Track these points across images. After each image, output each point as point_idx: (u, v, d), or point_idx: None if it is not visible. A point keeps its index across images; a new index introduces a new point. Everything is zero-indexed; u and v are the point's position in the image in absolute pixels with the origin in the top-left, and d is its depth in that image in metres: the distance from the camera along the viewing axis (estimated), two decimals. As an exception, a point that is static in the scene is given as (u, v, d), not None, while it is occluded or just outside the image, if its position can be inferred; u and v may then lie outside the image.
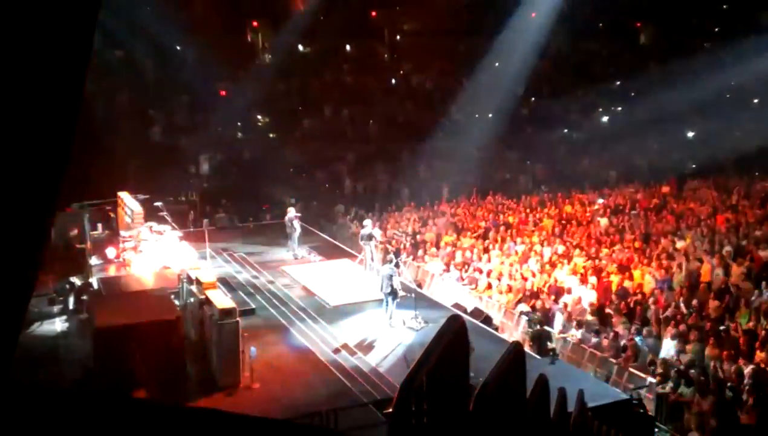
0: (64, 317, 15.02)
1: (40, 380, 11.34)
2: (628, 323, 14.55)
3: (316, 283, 17.04)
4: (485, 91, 34.57)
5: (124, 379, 10.56)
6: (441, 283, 18.33)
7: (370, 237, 17.43)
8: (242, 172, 27.49)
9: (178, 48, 30.70)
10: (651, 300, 15.16)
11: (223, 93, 31.81)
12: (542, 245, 19.69)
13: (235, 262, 18.96)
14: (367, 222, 18.14)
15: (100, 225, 18.87)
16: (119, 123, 27.02)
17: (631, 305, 15.23)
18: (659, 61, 36.42)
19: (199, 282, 12.59)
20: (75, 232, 17.88)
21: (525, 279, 17.25)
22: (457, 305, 16.51)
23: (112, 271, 17.12)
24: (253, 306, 15.16)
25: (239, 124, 31.96)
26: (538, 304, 15.92)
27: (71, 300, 15.36)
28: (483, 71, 34.27)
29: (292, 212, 19.35)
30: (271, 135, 32.28)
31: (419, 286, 17.24)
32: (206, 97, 29.99)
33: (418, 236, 21.71)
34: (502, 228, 21.60)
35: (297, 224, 19.18)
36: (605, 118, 35.25)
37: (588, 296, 15.85)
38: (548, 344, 13.84)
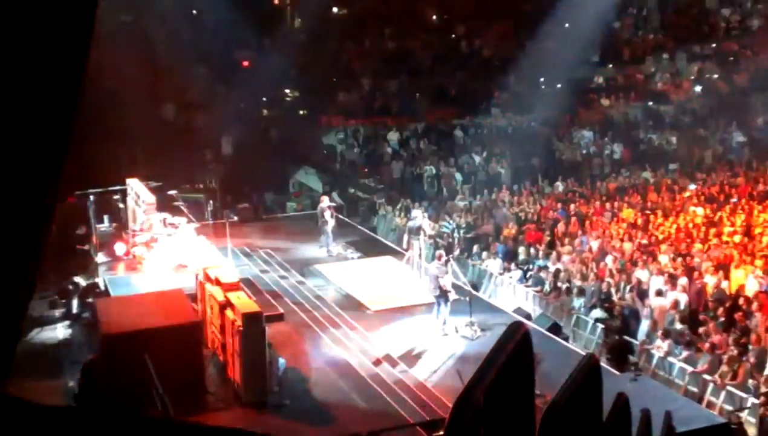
0: (67, 323, 15.39)
1: (41, 395, 11.65)
2: (726, 333, 14.27)
3: (353, 284, 17.11)
4: (552, 58, 34.19)
5: (134, 393, 10.78)
6: (500, 284, 18.22)
7: (419, 230, 17.42)
8: (268, 155, 27.72)
9: (193, 12, 31.06)
10: (754, 306, 14.83)
11: (246, 64, 32.10)
12: (622, 239, 19.42)
13: (260, 259, 19.17)
14: (416, 213, 18.15)
15: (106, 217, 19.26)
16: (127, 100, 27.47)
17: (730, 311, 14.93)
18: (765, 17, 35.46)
19: (219, 283, 12.77)
20: (79, 225, 18.27)
21: (600, 280, 17.06)
22: (519, 311, 16.40)
23: (120, 269, 17.46)
24: (282, 311, 15.32)
25: (264, 99, 32.22)
26: (617, 310, 15.70)
27: (75, 303, 15.73)
28: (549, 34, 33.86)
29: (325, 202, 19.46)
30: (301, 112, 32.47)
31: (474, 288, 17.19)
32: (226, 68, 30.30)
33: (473, 230, 21.62)
34: (573, 220, 21.38)
35: (331, 215, 19.28)
36: (698, 88, 34.49)
37: (677, 300, 15.59)
38: (629, 356, 13.67)
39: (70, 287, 16.00)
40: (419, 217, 17.86)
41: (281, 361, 11.99)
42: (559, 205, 23.37)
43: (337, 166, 29.67)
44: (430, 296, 14.76)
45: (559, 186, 25.71)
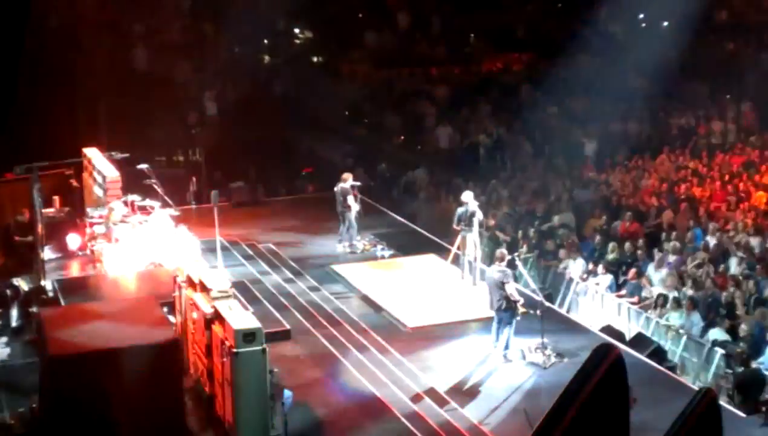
0: (5, 339, 15.57)
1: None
2: None
3: (385, 291, 17.14)
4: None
5: (92, 432, 10.89)
6: (583, 293, 18.13)
7: (471, 219, 17.38)
8: (271, 116, 27.80)
9: None
10: None
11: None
12: (749, 232, 19.24)
13: (259, 257, 19.27)
14: (468, 195, 18.06)
15: (56, 199, 19.43)
16: (84, 42, 27.67)
17: None
18: None
19: (205, 288, 12.85)
20: (20, 210, 18.47)
21: (721, 289, 16.90)
22: (608, 329, 16.31)
23: (74, 269, 17.63)
24: (288, 326, 15.38)
25: (266, 41, 32.27)
26: (743, 329, 15.56)
27: (14, 313, 15.90)
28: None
29: (347, 181, 19.47)
30: (315, 58, 32.46)
31: (549, 298, 17.12)
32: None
33: (546, 219, 21.52)
34: (683, 206, 21.20)
35: (355, 198, 19.29)
36: None
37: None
38: (760, 394, 13.55)
39: (8, 291, 16.16)
40: (472, 200, 17.80)
41: (287, 393, 12.03)
42: (665, 186, 23.15)
43: (363, 132, 29.62)
44: (488, 309, 14.72)
45: (665, 160, 25.46)
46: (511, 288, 14.27)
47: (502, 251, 15.31)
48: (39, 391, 12.35)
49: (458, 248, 17.67)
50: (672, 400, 11.28)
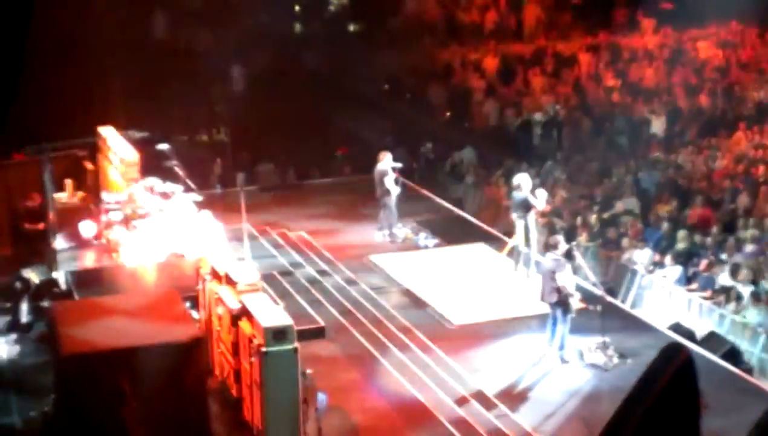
0: (14, 336, 15.76)
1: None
2: None
3: (428, 285, 17.17)
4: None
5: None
6: (649, 287, 18.03)
7: (526, 205, 17.33)
8: (302, 91, 27.82)
9: None
10: None
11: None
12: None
13: (290, 246, 19.33)
14: (521, 179, 18.02)
15: (69, 183, 19.60)
16: (97, 9, 27.80)
17: None
18: None
19: (231, 281, 12.92)
20: (29, 195, 18.63)
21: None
22: (677, 327, 16.23)
23: (89, 259, 17.76)
24: (322, 323, 15.43)
25: (297, 8, 32.28)
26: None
27: (24, 308, 16.07)
28: None
29: (387, 162, 19.46)
30: (351, 27, 32.43)
31: (611, 292, 17.05)
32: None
33: (608, 205, 21.41)
34: (762, 190, 21.00)
35: (396, 181, 19.28)
36: None
37: None
38: None
39: (18, 284, 16.33)
40: (526, 184, 17.74)
41: (321, 397, 12.08)
42: (741, 167, 22.93)
43: (404, 107, 29.57)
44: (542, 303, 14.69)
45: (742, 138, 25.21)
46: (564, 279, 14.19)
47: (557, 237, 15.23)
48: (53, 393, 12.47)
49: (513, 238, 17.65)
50: (748, 406, 11.21)
